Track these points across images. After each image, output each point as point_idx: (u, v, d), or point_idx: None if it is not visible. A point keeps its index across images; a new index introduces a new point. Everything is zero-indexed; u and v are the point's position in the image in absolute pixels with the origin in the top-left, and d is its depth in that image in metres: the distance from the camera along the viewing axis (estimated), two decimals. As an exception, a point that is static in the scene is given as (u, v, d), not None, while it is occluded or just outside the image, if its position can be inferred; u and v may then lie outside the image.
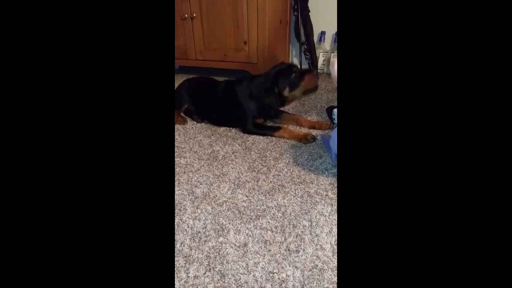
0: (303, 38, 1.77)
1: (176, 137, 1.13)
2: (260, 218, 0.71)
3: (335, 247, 0.62)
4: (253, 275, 0.56)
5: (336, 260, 0.58)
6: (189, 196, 0.79)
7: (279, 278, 0.55)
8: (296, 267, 0.58)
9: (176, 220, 0.70)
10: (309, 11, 1.71)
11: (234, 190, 0.81)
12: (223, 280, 0.55)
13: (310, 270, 0.57)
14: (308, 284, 0.54)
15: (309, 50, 1.77)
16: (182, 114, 1.28)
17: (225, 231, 0.67)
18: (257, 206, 0.75)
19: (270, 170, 0.90)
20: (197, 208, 0.74)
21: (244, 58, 1.62)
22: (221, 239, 0.65)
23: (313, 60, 1.78)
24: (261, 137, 1.11)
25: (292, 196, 0.78)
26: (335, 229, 0.66)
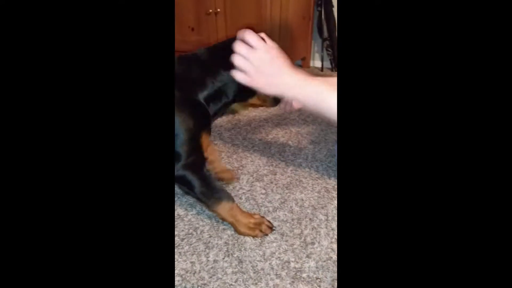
0: (325, 34, 1.76)
1: (198, 129, 1.17)
2: (278, 210, 0.73)
3: (350, 241, 0.63)
4: (269, 263, 0.59)
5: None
6: (209, 186, 0.82)
7: (294, 267, 0.58)
8: (311, 258, 0.60)
9: (196, 210, 0.74)
10: (333, 7, 1.70)
11: (253, 182, 0.84)
12: (240, 265, 0.58)
13: (324, 261, 0.59)
14: (322, 274, 0.56)
15: (332, 46, 1.76)
16: None
17: (244, 220, 0.70)
18: (274, 199, 0.77)
19: (288, 165, 0.91)
20: (217, 198, 0.78)
21: (266, 54, 1.63)
22: (239, 228, 0.68)
23: (335, 56, 1.77)
24: (281, 132, 1.13)
25: (309, 191, 0.80)
26: (351, 224, 0.67)
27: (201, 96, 0.63)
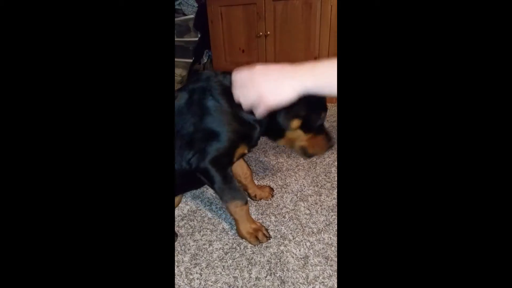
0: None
1: (244, 146, 1.20)
2: (322, 232, 0.71)
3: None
4: (313, 287, 0.57)
5: None
6: (253, 202, 0.83)
7: (339, 295, 0.55)
8: (357, 287, 0.56)
9: (241, 223, 0.75)
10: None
11: (297, 202, 0.83)
12: (283, 286, 0.57)
13: (373, 292, 0.55)
14: (370, 306, 0.53)
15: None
16: None
17: (287, 240, 0.69)
18: (319, 220, 0.75)
19: (334, 187, 0.89)
20: (261, 214, 0.78)
21: (313, 74, 1.65)
22: (282, 247, 0.67)
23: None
24: (327, 152, 1.10)
25: (356, 215, 0.76)
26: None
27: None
